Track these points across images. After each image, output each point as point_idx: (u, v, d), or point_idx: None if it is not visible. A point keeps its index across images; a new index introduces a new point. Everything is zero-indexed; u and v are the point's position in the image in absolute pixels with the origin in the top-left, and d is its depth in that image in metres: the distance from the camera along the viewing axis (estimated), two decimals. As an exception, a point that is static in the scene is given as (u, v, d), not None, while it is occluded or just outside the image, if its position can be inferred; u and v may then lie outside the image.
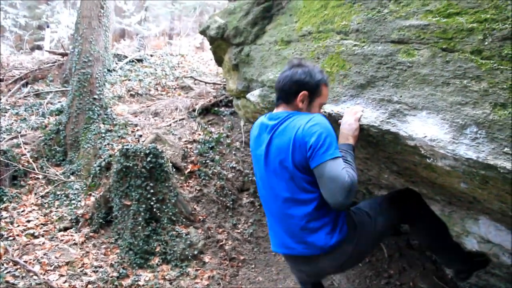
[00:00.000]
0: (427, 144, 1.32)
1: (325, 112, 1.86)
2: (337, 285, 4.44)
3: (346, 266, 1.99)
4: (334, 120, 1.81)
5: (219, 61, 4.64)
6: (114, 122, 5.82)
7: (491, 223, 2.59)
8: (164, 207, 4.61)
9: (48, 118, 6.43)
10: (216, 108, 6.43)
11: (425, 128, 1.33)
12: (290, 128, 1.69)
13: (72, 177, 5.44)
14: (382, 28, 1.64)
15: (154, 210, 4.54)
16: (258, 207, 5.27)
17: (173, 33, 17.74)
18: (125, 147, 4.61)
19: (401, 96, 1.46)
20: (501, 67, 1.20)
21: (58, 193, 5.24)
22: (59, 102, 6.93)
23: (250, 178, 5.46)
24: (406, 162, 1.72)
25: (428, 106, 1.35)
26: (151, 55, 8.65)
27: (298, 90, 1.78)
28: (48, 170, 5.52)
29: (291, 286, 4.37)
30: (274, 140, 1.77)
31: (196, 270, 4.40)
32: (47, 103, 6.82)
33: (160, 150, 4.69)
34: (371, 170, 3.22)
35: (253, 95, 2.82)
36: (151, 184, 4.56)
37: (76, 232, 4.72)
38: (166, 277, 4.25)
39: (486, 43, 1.26)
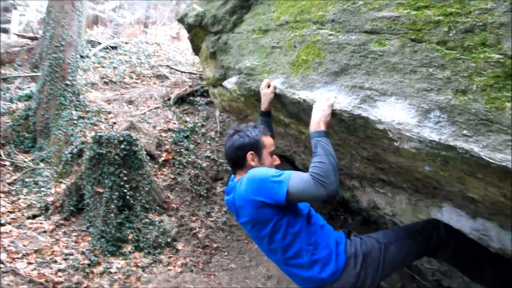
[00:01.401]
0: (394, 128, 1.40)
1: (299, 98, 1.92)
2: (308, 272, 4.56)
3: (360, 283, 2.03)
4: (308, 106, 1.88)
5: (196, 50, 4.63)
6: (87, 109, 5.70)
7: (453, 210, 2.76)
8: (137, 194, 4.58)
9: (16, 103, 6.21)
10: (191, 98, 6.41)
11: (393, 113, 1.42)
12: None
13: (42, 164, 5.31)
14: (356, 18, 1.71)
15: (127, 197, 4.51)
16: (232, 196, 5.32)
17: (148, 22, 17.39)
18: (98, 133, 4.54)
19: (372, 83, 1.54)
20: (463, 57, 1.29)
21: (27, 180, 5.10)
22: (28, 87, 6.70)
23: (224, 168, 5.50)
24: (376, 147, 1.82)
25: (397, 92, 1.43)
26: (126, 43, 8.48)
27: (244, 154, 1.90)
28: (16, 157, 5.35)
29: (263, 272, 4.46)
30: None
31: (169, 257, 4.41)
32: (15, 88, 6.58)
33: (134, 138, 4.65)
34: (343, 159, 3.33)
35: (230, 83, 2.86)
36: (125, 172, 4.52)
37: (45, 220, 4.62)
38: (139, 264, 4.25)
39: (451, 34, 1.35)
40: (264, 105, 2.20)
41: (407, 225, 2.17)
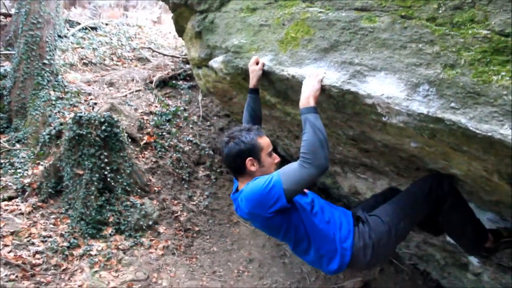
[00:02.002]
0: (384, 102, 1.42)
1: (288, 74, 1.92)
2: (289, 255, 4.64)
3: (373, 265, 2.08)
4: (297, 82, 1.88)
5: (180, 31, 4.54)
6: (66, 90, 5.54)
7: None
8: (118, 177, 4.51)
9: (-10, 82, 5.97)
10: (174, 81, 6.31)
11: (382, 87, 1.44)
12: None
13: (18, 145, 5.14)
14: (346, -4, 1.71)
15: (108, 180, 4.43)
16: (214, 180, 5.31)
17: (129, 5, 16.94)
18: (78, 114, 4.42)
19: (362, 59, 1.55)
20: (452, 33, 1.31)
21: (2, 161, 4.93)
22: (2, 66, 6.44)
23: (206, 152, 5.47)
24: (363, 124, 1.84)
25: (386, 67, 1.45)
26: (106, 24, 8.24)
27: (243, 161, 1.85)
28: (-10, 137, 5.17)
29: (245, 255, 4.50)
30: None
31: (151, 240, 4.39)
32: (-12, 67, 6.32)
33: (115, 119, 4.56)
34: (327, 142, 3.36)
35: (216, 62, 2.82)
36: (105, 154, 4.44)
37: (22, 202, 4.50)
38: (120, 247, 4.21)
39: (440, 11, 1.37)
40: (252, 82, 2.18)
41: (413, 190, 2.06)
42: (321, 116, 2.16)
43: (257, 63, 2.16)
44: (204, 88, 4.03)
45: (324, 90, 1.71)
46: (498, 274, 3.52)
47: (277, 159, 1.95)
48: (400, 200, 2.07)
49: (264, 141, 1.90)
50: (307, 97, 1.71)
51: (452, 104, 1.23)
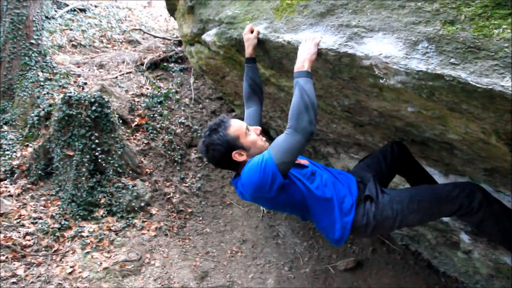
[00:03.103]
0: (381, 61, 1.39)
1: (284, 41, 1.88)
2: (282, 236, 4.65)
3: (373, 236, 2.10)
4: (293, 49, 1.84)
5: (172, 10, 4.46)
6: (55, 71, 5.41)
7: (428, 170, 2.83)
8: (109, 158, 4.45)
9: (-25, 63, 5.81)
10: (165, 64, 6.21)
11: (380, 47, 1.40)
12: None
13: (6, 127, 5.04)
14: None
15: (99, 161, 4.37)
16: (206, 162, 5.27)
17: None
18: (68, 94, 4.33)
19: (359, 21, 1.51)
20: (452, -10, 1.28)
21: (-10, 143, 4.84)
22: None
23: (198, 134, 5.42)
24: (359, 92, 1.81)
25: (385, 27, 1.42)
26: (96, 6, 8.05)
27: (230, 159, 1.83)
28: (-23, 119, 5.06)
29: (238, 236, 4.50)
30: None
31: (143, 221, 4.36)
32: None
33: (106, 99, 4.48)
34: (321, 120, 3.34)
35: (209, 35, 2.76)
36: (96, 134, 4.36)
37: (11, 184, 4.43)
38: (112, 228, 4.17)
39: (440, -31, 1.33)
40: (248, 51, 2.12)
41: (439, 191, 1.96)
42: (316, 86, 2.13)
43: (252, 32, 2.11)
44: (196, 66, 3.96)
45: (320, 55, 1.68)
46: (488, 251, 3.56)
47: (258, 129, 1.91)
48: (421, 193, 1.99)
49: (235, 128, 1.83)
50: (302, 60, 1.67)
51: (452, 60, 1.20)
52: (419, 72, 1.28)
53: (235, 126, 1.84)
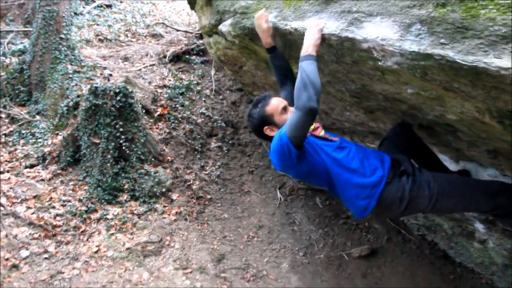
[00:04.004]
0: (378, 44, 1.48)
1: (291, 28, 1.98)
2: (298, 223, 4.76)
3: (403, 216, 2.15)
4: (299, 36, 1.94)
5: (192, 3, 4.61)
6: (82, 64, 5.69)
7: (439, 156, 2.87)
8: (133, 146, 4.67)
9: (10, 58, 6.17)
10: (187, 56, 6.40)
11: (378, 31, 1.49)
12: None
13: (38, 117, 5.35)
14: None
15: (123, 148, 4.60)
16: (226, 151, 5.44)
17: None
18: (94, 85, 4.57)
19: (359, 7, 1.60)
20: (445, -26, 1.35)
21: (23, 132, 5.16)
22: (21, 43, 6.64)
23: (218, 124, 5.58)
24: (363, 76, 1.90)
25: (382, 12, 1.50)
26: (121, 2, 8.33)
27: (262, 132, 2.10)
28: (12, 109, 5.39)
29: (255, 222, 4.64)
30: None
31: (164, 206, 4.57)
32: (7, 43, 6.52)
33: (130, 90, 4.69)
34: (335, 108, 3.42)
35: (225, 25, 2.89)
36: (121, 123, 4.59)
37: (42, 169, 4.73)
38: (135, 212, 4.40)
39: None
40: (267, 41, 2.20)
41: (478, 182, 2.07)
42: (324, 72, 2.22)
43: (265, 22, 2.16)
44: (215, 57, 4.11)
45: (324, 40, 1.77)
46: (503, 240, 3.56)
47: (288, 108, 2.06)
48: (461, 179, 2.07)
49: (272, 106, 2.05)
50: (307, 46, 1.78)
51: (442, 40, 1.28)
52: (412, 52, 1.37)
53: (273, 104, 2.07)
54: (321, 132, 2.15)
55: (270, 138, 2.06)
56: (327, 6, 1.80)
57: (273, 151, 1.96)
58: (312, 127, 2.11)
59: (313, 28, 1.79)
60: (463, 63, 1.21)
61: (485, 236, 3.79)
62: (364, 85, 2.05)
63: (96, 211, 4.36)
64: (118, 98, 4.57)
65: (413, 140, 2.41)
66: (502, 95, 1.25)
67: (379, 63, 1.56)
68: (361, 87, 2.10)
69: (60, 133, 5.00)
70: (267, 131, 2.06)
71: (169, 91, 5.64)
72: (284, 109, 2.05)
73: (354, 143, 2.14)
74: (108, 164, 4.54)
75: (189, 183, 4.87)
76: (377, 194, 1.95)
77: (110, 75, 5.39)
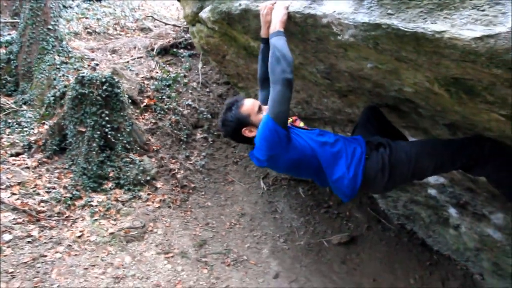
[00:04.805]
0: (336, 18, 1.59)
1: (257, 6, 2.09)
2: (280, 211, 4.86)
3: (388, 189, 2.23)
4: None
5: (178, -5, 4.70)
6: (70, 55, 5.74)
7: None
8: (119, 135, 4.74)
9: (-3, 49, 6.20)
10: (175, 50, 6.48)
11: (335, 7, 1.60)
12: None
13: (25, 107, 5.39)
14: None
15: (109, 137, 4.66)
16: (211, 142, 5.52)
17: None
18: (81, 74, 4.63)
19: (321, -14, 1.71)
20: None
21: (10, 121, 5.19)
22: (9, 34, 6.66)
23: (204, 116, 5.67)
24: (329, 54, 2.01)
25: (340, -10, 1.61)
26: (110, -4, 8.40)
27: (241, 134, 2.06)
28: (-2, 99, 5.42)
29: (238, 210, 4.73)
30: None
31: (148, 194, 4.64)
32: (-4, 34, 6.54)
33: (116, 80, 4.76)
34: (313, 95, 3.53)
35: (205, 12, 2.98)
36: (107, 112, 4.65)
37: (28, 158, 4.76)
38: (119, 199, 4.46)
39: None
40: (264, 30, 2.14)
41: (449, 139, 2.15)
42: (295, 52, 2.32)
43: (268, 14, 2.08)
44: (198, 46, 4.19)
45: (290, 18, 1.88)
46: (474, 224, 3.69)
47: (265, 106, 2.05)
48: (434, 140, 2.17)
49: (247, 107, 2.03)
50: (274, 23, 1.88)
51: (389, 11, 1.38)
52: (363, 24, 1.47)
53: (247, 105, 2.04)
54: (301, 123, 2.25)
55: (249, 140, 2.07)
56: (294, -12, 1.90)
57: (261, 141, 1.93)
58: (290, 119, 2.16)
59: (279, 6, 1.89)
60: (406, 30, 1.32)
61: (458, 221, 3.93)
62: (331, 65, 2.16)
63: (80, 198, 4.42)
64: (105, 87, 4.64)
65: (383, 123, 2.51)
66: (442, 61, 1.35)
67: (339, 37, 1.67)
68: (329, 66, 2.20)
69: (47, 123, 5.05)
70: (246, 132, 2.03)
71: (156, 82, 5.72)
72: (259, 109, 2.05)
73: (330, 132, 2.22)
74: (94, 153, 4.60)
75: (173, 172, 4.94)
76: (360, 170, 2.04)
77: (97, 64, 5.45)
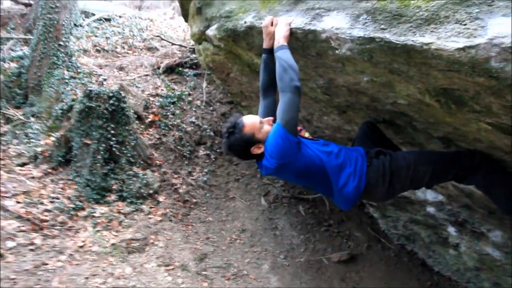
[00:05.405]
0: (334, 33, 1.71)
1: (261, 24, 2.22)
2: (281, 228, 4.89)
3: (387, 197, 2.30)
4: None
5: (185, 15, 4.89)
6: (79, 71, 5.93)
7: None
8: (123, 148, 4.84)
9: (9, 63, 6.39)
10: (180, 68, 6.67)
11: (333, 22, 1.73)
12: None
13: (33, 119, 5.53)
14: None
15: (114, 150, 4.76)
16: (213, 159, 5.61)
17: (143, 5, 17.50)
18: (89, 88, 4.78)
19: (321, 4, 1.85)
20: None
21: (17, 132, 5.32)
22: (21, 50, 6.89)
23: (207, 133, 5.78)
24: (327, 69, 2.12)
25: (338, 7, 1.74)
26: (120, 16, 8.68)
27: (249, 153, 2.10)
28: (7, 110, 5.57)
29: (238, 226, 4.77)
30: None
31: (150, 207, 4.70)
32: (7, 49, 6.77)
33: (123, 95, 4.90)
34: (314, 113, 3.64)
35: (212, 30, 3.14)
36: (112, 126, 4.77)
37: (34, 168, 4.86)
38: (121, 211, 4.52)
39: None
40: (267, 42, 2.19)
41: (441, 151, 2.31)
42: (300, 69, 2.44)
43: (272, 24, 2.14)
44: (204, 64, 4.34)
45: (292, 34, 2.01)
46: (473, 242, 3.72)
47: (270, 120, 2.12)
48: (430, 150, 2.35)
49: (249, 126, 2.06)
50: (278, 38, 2.01)
51: (382, 26, 1.51)
52: (359, 38, 1.59)
53: (249, 125, 2.06)
54: (306, 134, 2.34)
55: (259, 156, 2.10)
56: (296, 6, 2.04)
57: (272, 149, 1.96)
58: None
59: (282, 23, 2.02)
60: (397, 42, 1.44)
61: (457, 240, 3.95)
62: (330, 79, 2.28)
63: (83, 209, 4.48)
64: (111, 101, 4.77)
65: (380, 137, 2.61)
66: (431, 71, 1.46)
67: (337, 51, 1.79)
68: (328, 81, 2.32)
69: (53, 135, 5.17)
70: (255, 150, 2.06)
71: (161, 99, 5.86)
72: (261, 123, 2.09)
73: (333, 142, 2.32)
74: (98, 165, 4.69)
75: (176, 186, 5.02)
76: (363, 177, 2.12)
77: (104, 79, 5.62)
